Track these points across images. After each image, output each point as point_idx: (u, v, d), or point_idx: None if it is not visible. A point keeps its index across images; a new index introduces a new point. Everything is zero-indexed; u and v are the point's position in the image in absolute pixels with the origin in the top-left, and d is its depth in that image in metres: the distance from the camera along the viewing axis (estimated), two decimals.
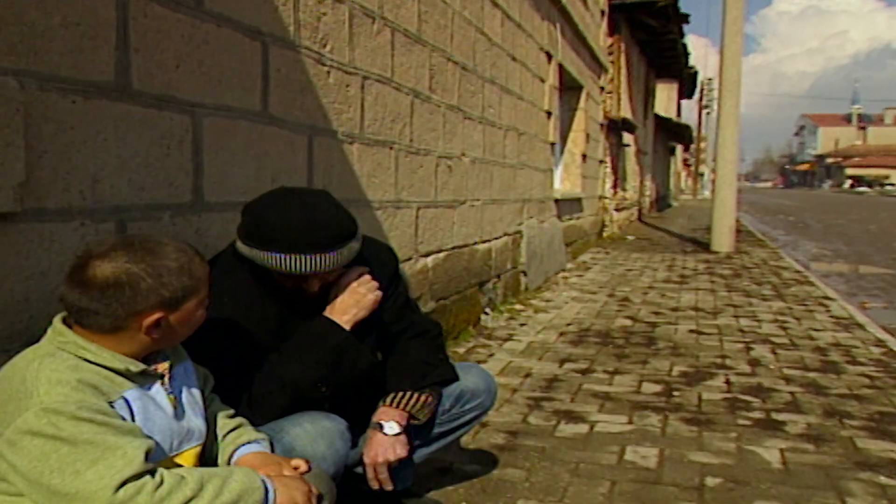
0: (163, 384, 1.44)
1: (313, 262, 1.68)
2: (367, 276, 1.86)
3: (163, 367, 1.45)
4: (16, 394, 1.24)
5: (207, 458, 1.54)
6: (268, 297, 1.81)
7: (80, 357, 1.32)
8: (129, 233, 1.43)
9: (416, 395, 1.98)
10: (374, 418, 1.95)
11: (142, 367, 1.39)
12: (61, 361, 1.29)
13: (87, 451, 1.20)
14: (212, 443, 1.57)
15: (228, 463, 1.55)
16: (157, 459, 1.32)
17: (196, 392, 1.53)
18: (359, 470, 1.98)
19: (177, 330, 1.42)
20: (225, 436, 1.59)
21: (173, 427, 1.42)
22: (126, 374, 1.36)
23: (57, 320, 1.37)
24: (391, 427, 1.93)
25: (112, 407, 1.29)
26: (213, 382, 1.66)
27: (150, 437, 1.30)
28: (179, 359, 1.53)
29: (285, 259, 1.67)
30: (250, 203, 1.77)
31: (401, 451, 1.92)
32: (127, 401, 1.33)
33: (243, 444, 1.58)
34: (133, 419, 1.33)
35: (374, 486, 1.92)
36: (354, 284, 1.83)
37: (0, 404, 1.25)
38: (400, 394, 1.98)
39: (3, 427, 1.23)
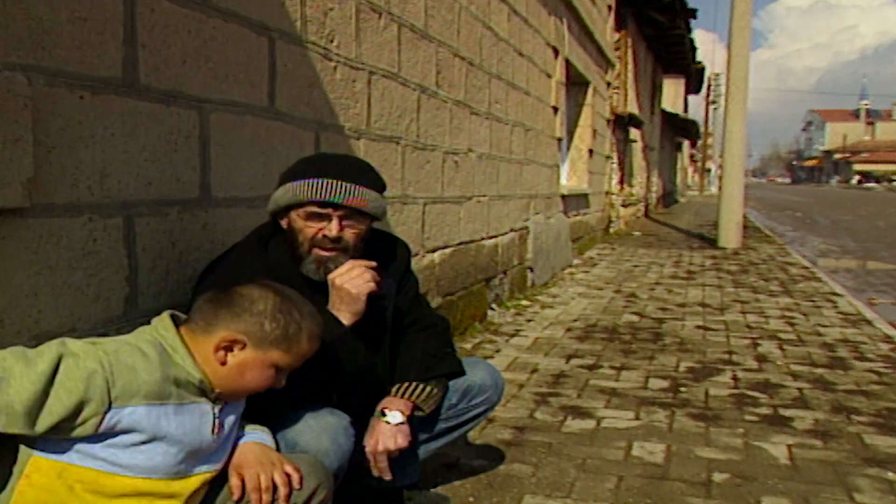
0: (214, 408, 1.46)
1: (341, 188, 1.75)
2: (363, 267, 1.82)
3: (221, 403, 1.49)
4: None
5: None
6: (280, 280, 1.81)
7: (169, 358, 1.39)
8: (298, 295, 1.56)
9: (421, 386, 1.98)
10: (378, 407, 1.95)
11: (207, 386, 1.44)
12: (156, 353, 1.37)
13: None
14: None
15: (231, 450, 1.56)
16: (165, 466, 1.36)
17: (235, 422, 1.55)
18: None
19: (242, 370, 1.44)
20: None
21: (197, 448, 1.42)
22: (195, 387, 1.41)
23: (166, 314, 1.46)
24: (394, 416, 1.93)
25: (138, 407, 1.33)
26: None
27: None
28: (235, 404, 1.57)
29: (314, 183, 1.75)
30: None
31: (402, 440, 1.92)
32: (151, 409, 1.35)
33: (245, 433, 1.58)
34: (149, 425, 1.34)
35: (375, 474, 1.92)
36: (355, 273, 1.79)
37: None
38: (405, 384, 1.98)
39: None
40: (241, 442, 1.56)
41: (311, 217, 1.79)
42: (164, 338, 1.41)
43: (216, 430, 1.46)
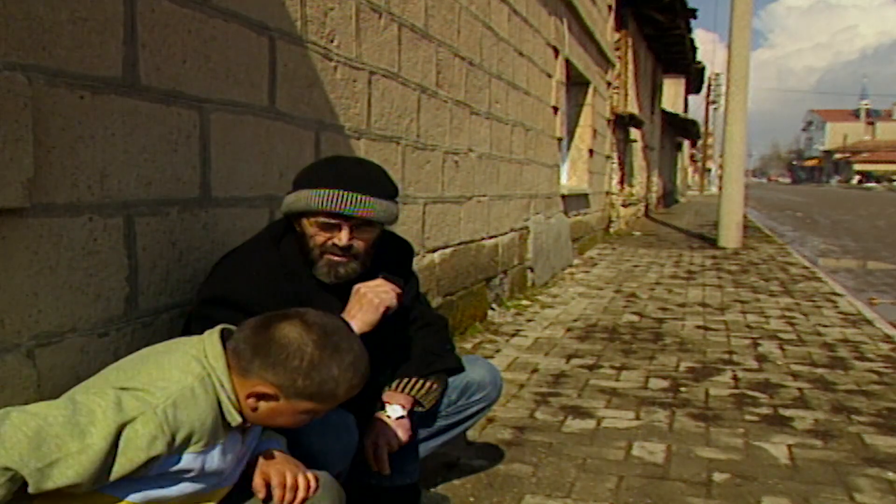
0: (243, 437, 1.47)
1: (352, 200, 1.77)
2: (383, 284, 1.85)
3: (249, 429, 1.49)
4: (155, 374, 1.34)
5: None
6: (289, 279, 1.83)
7: (216, 396, 1.38)
8: (343, 326, 1.51)
9: (421, 382, 2.00)
10: (379, 402, 1.97)
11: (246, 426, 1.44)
12: (211, 393, 1.37)
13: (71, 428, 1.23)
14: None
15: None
16: (193, 492, 1.37)
17: (255, 439, 1.55)
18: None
19: (272, 415, 1.43)
20: None
21: (223, 473, 1.43)
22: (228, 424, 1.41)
23: (215, 335, 1.43)
24: (394, 410, 1.94)
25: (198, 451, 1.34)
26: None
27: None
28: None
29: (326, 194, 1.76)
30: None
31: (402, 434, 1.93)
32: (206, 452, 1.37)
33: (265, 441, 1.58)
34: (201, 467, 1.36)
35: (374, 468, 1.92)
36: (382, 288, 1.82)
37: (138, 364, 1.37)
38: (406, 379, 2.00)
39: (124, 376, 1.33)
40: (263, 448, 1.56)
41: (322, 226, 1.81)
42: (214, 370, 1.38)
43: (241, 458, 1.47)
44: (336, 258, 1.82)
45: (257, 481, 1.49)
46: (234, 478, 1.49)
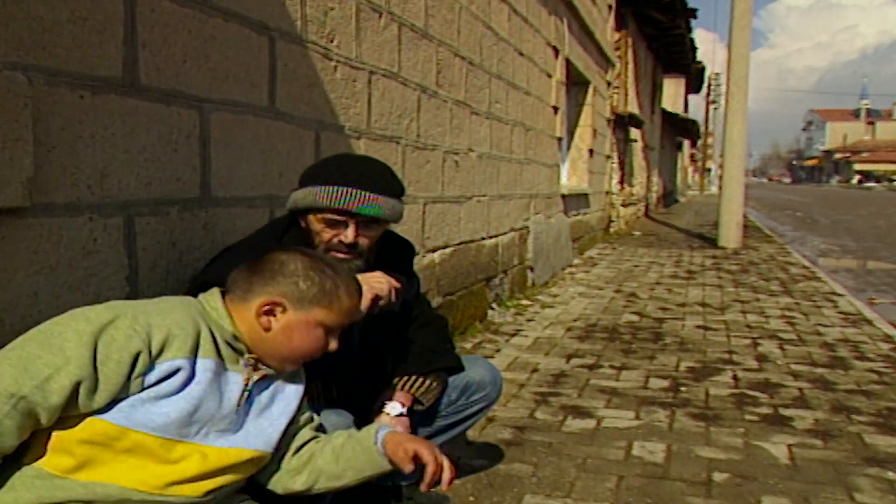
0: (246, 379, 1.43)
1: (359, 197, 1.77)
2: (379, 275, 1.83)
3: (260, 372, 1.45)
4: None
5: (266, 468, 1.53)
6: None
7: (206, 323, 1.40)
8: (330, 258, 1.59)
9: (420, 380, 2.01)
10: (379, 400, 1.97)
11: (241, 347, 1.43)
12: (194, 310, 1.40)
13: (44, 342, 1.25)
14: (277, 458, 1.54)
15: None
16: (175, 423, 1.32)
17: (280, 413, 1.50)
18: None
19: (287, 334, 1.43)
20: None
21: (215, 414, 1.38)
22: (229, 345, 1.42)
23: (216, 289, 1.48)
24: (394, 407, 1.95)
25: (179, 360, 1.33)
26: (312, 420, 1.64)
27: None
28: (291, 379, 1.53)
29: (334, 191, 1.77)
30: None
31: (401, 432, 1.92)
32: (193, 363, 1.35)
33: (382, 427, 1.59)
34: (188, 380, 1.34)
35: None
36: (377, 278, 1.80)
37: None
38: (405, 378, 2.00)
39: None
40: (385, 432, 1.56)
41: (328, 223, 1.81)
42: (207, 300, 1.45)
43: (241, 402, 1.42)
44: (341, 255, 1.82)
45: (401, 455, 1.49)
46: (240, 441, 1.42)
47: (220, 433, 1.39)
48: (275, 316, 1.42)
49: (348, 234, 1.81)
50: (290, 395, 1.52)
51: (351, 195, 1.78)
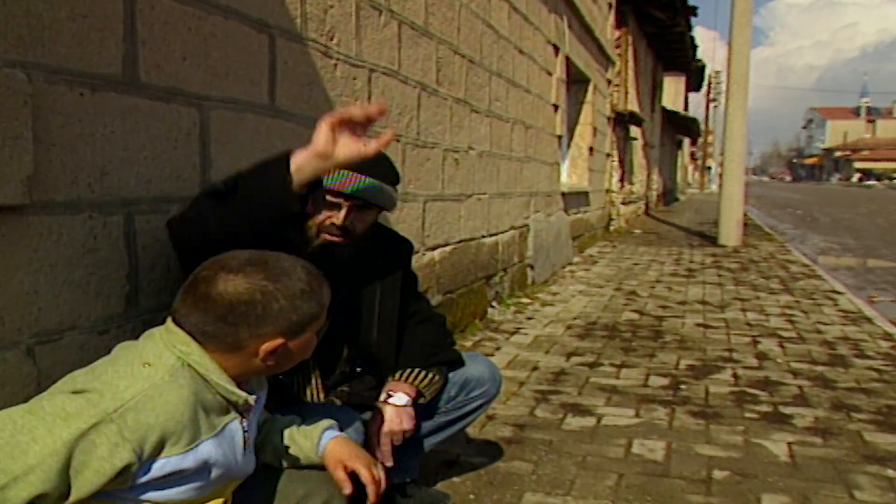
0: (242, 421, 1.38)
1: (354, 179, 1.78)
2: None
3: (252, 399, 1.37)
4: (121, 371, 1.22)
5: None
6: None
7: (202, 377, 1.28)
8: (260, 250, 1.37)
9: (423, 373, 2.01)
10: (383, 392, 1.97)
11: (251, 399, 1.35)
12: (186, 384, 1.24)
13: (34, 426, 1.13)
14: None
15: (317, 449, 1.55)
16: (200, 492, 1.30)
17: (255, 425, 1.48)
18: None
19: (290, 358, 1.39)
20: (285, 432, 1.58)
21: (232, 467, 1.35)
22: (232, 406, 1.34)
23: (172, 324, 1.31)
24: (399, 398, 1.95)
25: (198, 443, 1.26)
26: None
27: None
28: (260, 387, 1.48)
29: (332, 172, 1.74)
30: None
31: (407, 423, 1.93)
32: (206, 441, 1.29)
33: (323, 431, 1.57)
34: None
35: (377, 457, 1.92)
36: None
37: (99, 371, 1.23)
38: (408, 370, 2.00)
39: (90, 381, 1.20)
40: (330, 438, 1.55)
41: (323, 204, 1.81)
42: (188, 354, 1.28)
43: (247, 445, 1.41)
44: (332, 238, 1.82)
45: (340, 475, 1.48)
46: (249, 466, 1.43)
47: (236, 476, 1.41)
48: (276, 353, 1.35)
49: (340, 217, 1.81)
50: (261, 402, 1.51)
51: (344, 175, 1.79)
